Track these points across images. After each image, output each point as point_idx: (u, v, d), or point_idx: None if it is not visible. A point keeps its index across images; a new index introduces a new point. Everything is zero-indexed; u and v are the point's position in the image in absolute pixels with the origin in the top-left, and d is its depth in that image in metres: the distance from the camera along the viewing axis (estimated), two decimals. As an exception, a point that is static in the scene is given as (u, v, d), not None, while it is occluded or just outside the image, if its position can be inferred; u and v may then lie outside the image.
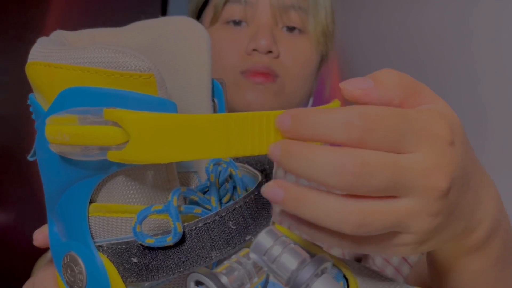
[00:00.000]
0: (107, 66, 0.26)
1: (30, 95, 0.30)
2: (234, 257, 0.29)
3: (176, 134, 0.25)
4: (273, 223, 0.33)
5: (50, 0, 1.24)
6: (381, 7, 1.07)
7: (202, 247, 0.28)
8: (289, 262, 0.28)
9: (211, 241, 0.29)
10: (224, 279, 0.27)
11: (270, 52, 0.69)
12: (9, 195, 1.11)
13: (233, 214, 0.29)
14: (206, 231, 0.29)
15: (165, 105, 0.26)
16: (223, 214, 0.29)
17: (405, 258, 0.64)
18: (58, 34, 0.31)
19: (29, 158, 0.33)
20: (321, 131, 0.26)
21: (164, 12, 1.48)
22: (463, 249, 0.36)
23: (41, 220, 0.35)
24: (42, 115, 0.29)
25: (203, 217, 0.29)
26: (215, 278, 0.27)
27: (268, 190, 0.27)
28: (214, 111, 0.34)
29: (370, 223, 0.27)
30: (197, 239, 0.28)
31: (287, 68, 0.71)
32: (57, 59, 0.27)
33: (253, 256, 0.29)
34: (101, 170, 0.27)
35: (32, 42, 0.30)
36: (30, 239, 0.35)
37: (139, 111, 0.24)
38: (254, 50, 0.69)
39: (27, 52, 0.29)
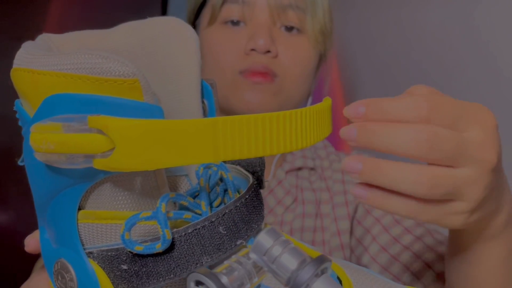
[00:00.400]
0: (91, 72, 0.25)
1: (16, 101, 0.30)
2: (234, 257, 0.29)
3: (162, 140, 0.24)
4: (265, 224, 0.32)
5: (50, 0, 1.24)
6: (380, 6, 1.06)
7: (192, 253, 0.28)
8: (289, 262, 0.28)
9: (201, 247, 0.28)
10: (224, 279, 0.27)
11: (269, 51, 0.68)
12: (9, 195, 1.11)
13: (223, 219, 0.29)
14: (196, 237, 0.28)
15: (151, 111, 0.26)
16: (213, 219, 0.29)
17: (417, 276, 0.63)
18: (45, 38, 0.31)
19: (19, 163, 0.32)
20: (393, 113, 0.32)
21: (164, 12, 1.47)
22: (486, 234, 0.41)
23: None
24: (28, 122, 0.28)
25: (193, 222, 0.29)
26: (215, 278, 0.27)
27: (347, 163, 0.32)
28: (204, 112, 0.34)
29: (440, 185, 0.32)
30: (187, 245, 0.28)
31: (285, 68, 0.70)
32: (41, 65, 0.26)
33: (253, 256, 0.29)
34: (87, 178, 0.27)
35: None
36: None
37: (123, 118, 0.24)
38: (253, 50, 0.68)
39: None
